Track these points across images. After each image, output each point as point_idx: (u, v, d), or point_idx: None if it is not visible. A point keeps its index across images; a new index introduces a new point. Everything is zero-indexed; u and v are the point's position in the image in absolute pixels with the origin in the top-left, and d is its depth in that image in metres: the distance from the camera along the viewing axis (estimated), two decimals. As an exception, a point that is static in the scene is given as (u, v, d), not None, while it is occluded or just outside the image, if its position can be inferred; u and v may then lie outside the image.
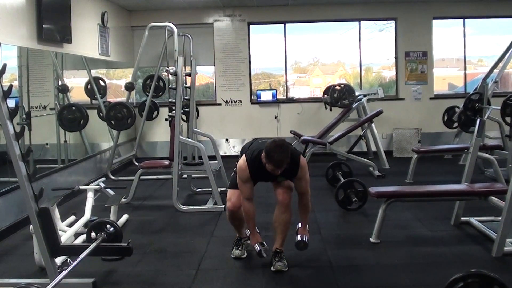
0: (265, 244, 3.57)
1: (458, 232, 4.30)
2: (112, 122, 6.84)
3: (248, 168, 3.44)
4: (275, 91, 8.94)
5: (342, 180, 5.50)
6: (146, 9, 8.59)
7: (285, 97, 9.08)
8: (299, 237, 3.59)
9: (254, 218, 3.55)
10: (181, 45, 7.76)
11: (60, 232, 3.56)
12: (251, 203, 3.52)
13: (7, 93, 2.91)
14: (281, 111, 8.85)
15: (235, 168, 3.62)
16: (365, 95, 8.08)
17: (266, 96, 8.89)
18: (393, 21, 8.95)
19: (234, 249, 3.82)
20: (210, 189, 5.53)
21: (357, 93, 7.87)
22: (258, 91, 8.95)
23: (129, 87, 7.21)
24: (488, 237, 3.99)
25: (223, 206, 5.20)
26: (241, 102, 8.89)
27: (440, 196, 4.33)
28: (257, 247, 3.54)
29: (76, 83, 7.31)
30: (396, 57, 8.97)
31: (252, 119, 8.84)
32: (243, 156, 3.52)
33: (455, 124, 7.77)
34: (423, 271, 3.47)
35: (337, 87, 7.79)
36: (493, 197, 4.03)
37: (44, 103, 6.01)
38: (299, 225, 3.64)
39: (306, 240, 3.58)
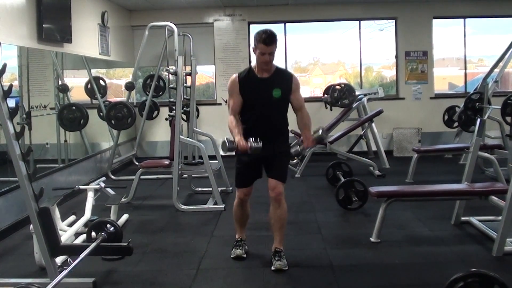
0: (255, 142, 3.32)
1: (459, 232, 4.30)
2: (112, 121, 6.84)
3: (238, 78, 3.49)
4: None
5: (343, 179, 5.50)
6: (146, 8, 8.59)
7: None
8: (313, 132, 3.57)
9: (238, 124, 3.43)
10: (181, 45, 7.76)
11: (60, 232, 3.56)
12: (237, 116, 3.50)
13: (7, 93, 2.92)
14: (281, 111, 8.83)
15: (237, 165, 3.61)
16: (365, 95, 8.08)
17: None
18: (393, 20, 8.95)
19: (234, 249, 3.81)
20: (210, 188, 5.52)
21: (357, 93, 7.87)
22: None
23: (129, 86, 7.21)
24: (488, 237, 3.99)
25: (223, 205, 5.21)
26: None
27: (441, 195, 4.33)
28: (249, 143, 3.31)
29: (76, 83, 7.31)
30: (396, 57, 8.97)
31: (252, 119, 8.81)
32: (235, 73, 3.58)
33: (456, 124, 7.77)
34: (424, 270, 3.47)
35: (338, 87, 7.78)
36: (493, 197, 4.03)
37: (44, 102, 6.01)
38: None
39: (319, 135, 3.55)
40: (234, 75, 3.54)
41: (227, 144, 3.38)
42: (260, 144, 3.27)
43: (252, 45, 3.42)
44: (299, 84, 3.61)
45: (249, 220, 3.86)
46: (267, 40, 3.34)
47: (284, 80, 3.51)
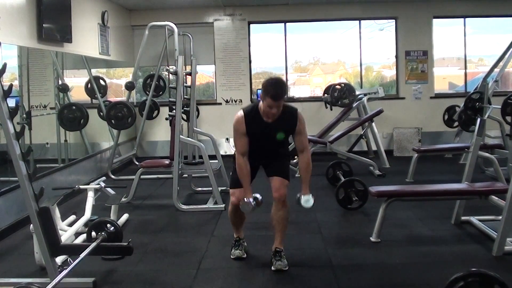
0: (255, 197, 3.46)
1: (459, 231, 4.30)
2: (113, 121, 6.84)
3: (245, 118, 3.44)
4: (275, 90, 8.91)
5: (343, 179, 5.50)
6: (146, 8, 8.59)
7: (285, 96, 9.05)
8: (302, 196, 3.48)
9: (248, 175, 3.48)
10: (182, 45, 7.76)
11: (60, 232, 3.55)
12: (246, 160, 3.48)
13: (7, 93, 2.91)
14: (281, 111, 8.82)
15: (233, 167, 3.61)
16: (365, 94, 8.08)
17: (267, 95, 8.87)
18: (394, 20, 8.94)
19: (233, 249, 3.80)
20: (211, 188, 5.52)
21: (357, 92, 7.87)
22: (258, 90, 8.94)
23: (130, 86, 7.21)
24: (488, 236, 3.99)
25: (223, 205, 5.20)
26: (241, 101, 8.88)
27: (441, 195, 4.33)
28: (245, 200, 3.44)
29: (76, 83, 7.31)
30: (396, 56, 8.97)
31: (252, 119, 8.81)
32: (241, 110, 3.52)
33: (456, 123, 7.76)
34: (424, 270, 3.46)
35: (338, 86, 7.78)
36: (493, 196, 4.03)
37: (45, 102, 6.01)
38: (301, 194, 3.52)
39: (311, 198, 3.47)
40: (240, 114, 3.47)
41: (245, 207, 3.47)
42: (255, 205, 3.45)
43: (260, 92, 3.39)
44: (304, 124, 3.51)
45: (249, 219, 3.86)
46: (276, 96, 3.28)
47: (289, 122, 3.45)
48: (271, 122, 3.43)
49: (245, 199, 3.45)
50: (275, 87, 3.29)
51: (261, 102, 3.40)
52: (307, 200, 3.47)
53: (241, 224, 3.80)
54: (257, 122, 3.42)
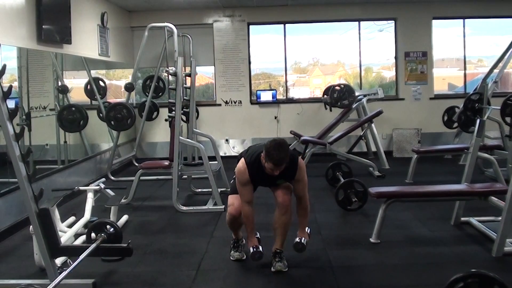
0: (260, 248, 3.57)
1: (458, 232, 4.30)
2: (112, 122, 6.83)
3: (248, 170, 3.44)
4: (275, 91, 8.94)
5: (342, 180, 5.50)
6: (146, 9, 8.59)
7: (285, 97, 9.08)
8: (297, 239, 3.60)
9: (253, 222, 3.56)
10: (181, 46, 7.76)
11: (60, 233, 3.56)
12: (251, 207, 3.52)
13: (6, 94, 2.91)
14: (281, 112, 8.85)
15: (234, 176, 3.62)
16: (365, 95, 8.08)
17: (266, 96, 8.90)
18: (393, 21, 8.95)
19: (233, 251, 3.81)
20: (210, 189, 5.53)
21: (357, 93, 7.87)
22: (258, 92, 8.95)
23: (129, 87, 7.21)
24: (488, 237, 3.99)
25: (223, 206, 5.20)
26: (241, 103, 8.89)
27: (440, 196, 4.33)
28: (251, 250, 3.55)
29: (76, 84, 7.31)
30: (396, 57, 8.98)
31: (252, 120, 8.84)
32: (242, 159, 3.52)
33: (455, 124, 7.77)
34: (423, 271, 3.47)
35: (337, 87, 7.78)
36: (493, 197, 4.03)
37: (44, 103, 6.01)
38: (297, 238, 3.63)
39: (304, 243, 3.59)
40: (243, 165, 3.46)
41: (256, 256, 3.56)
42: (261, 256, 3.55)
43: (262, 154, 3.34)
44: (305, 172, 3.52)
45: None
46: (278, 163, 3.27)
47: (290, 170, 3.44)
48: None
49: (254, 248, 3.53)
50: (278, 154, 3.25)
51: (262, 157, 3.36)
52: (297, 244, 3.58)
53: (239, 228, 3.80)
54: (259, 172, 3.44)
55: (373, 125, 7.48)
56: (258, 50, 9.12)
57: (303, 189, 3.53)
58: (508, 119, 6.35)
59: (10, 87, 2.95)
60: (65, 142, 6.36)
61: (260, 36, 9.16)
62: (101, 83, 7.63)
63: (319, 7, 8.71)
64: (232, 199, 3.62)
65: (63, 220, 4.36)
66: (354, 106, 7.87)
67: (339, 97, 7.69)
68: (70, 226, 4.32)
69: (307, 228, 3.67)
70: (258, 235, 3.71)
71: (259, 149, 3.45)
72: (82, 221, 4.34)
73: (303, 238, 3.60)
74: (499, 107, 6.40)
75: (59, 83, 6.34)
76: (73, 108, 6.37)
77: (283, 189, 3.55)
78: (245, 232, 3.88)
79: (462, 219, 4.46)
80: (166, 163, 5.63)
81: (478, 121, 4.55)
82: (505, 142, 6.57)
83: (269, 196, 3.56)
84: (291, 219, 3.56)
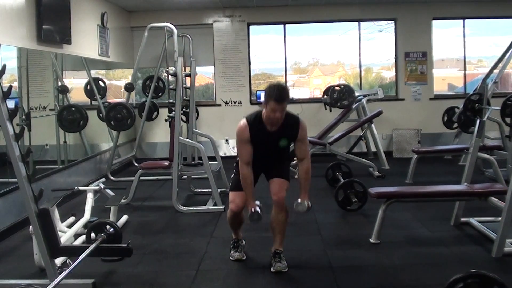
0: (259, 210, 3.46)
1: (458, 233, 4.30)
2: (112, 122, 6.83)
3: (248, 127, 3.42)
4: (275, 91, 8.91)
5: (342, 180, 5.50)
6: (146, 9, 8.59)
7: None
8: (299, 200, 3.49)
9: (251, 184, 3.49)
10: (181, 46, 7.75)
11: (60, 233, 3.56)
12: (250, 169, 3.47)
13: (6, 94, 2.91)
14: (281, 112, 8.82)
15: (234, 170, 3.61)
16: (365, 96, 8.08)
17: (266, 96, 8.87)
18: (393, 21, 8.95)
19: (232, 251, 3.81)
20: (210, 189, 5.52)
21: (357, 94, 7.87)
22: (257, 92, 8.94)
23: (129, 87, 7.21)
24: (488, 238, 3.99)
25: (222, 206, 5.20)
26: (240, 103, 8.89)
27: (440, 196, 4.33)
28: (251, 210, 3.45)
29: (75, 84, 7.31)
30: (396, 58, 8.98)
31: (252, 120, 8.81)
32: (243, 119, 3.50)
33: (455, 125, 7.77)
34: (423, 271, 3.47)
35: (337, 88, 7.78)
36: (493, 198, 4.03)
37: (44, 103, 6.01)
38: (299, 199, 3.51)
39: (306, 205, 3.47)
40: (244, 123, 3.45)
41: (254, 217, 3.46)
42: (260, 217, 3.45)
43: (262, 98, 3.32)
44: (306, 132, 3.51)
45: (247, 221, 3.85)
46: (279, 98, 3.25)
47: (291, 129, 3.45)
48: (275, 130, 3.43)
49: (252, 209, 3.44)
50: (279, 90, 3.28)
51: (263, 110, 3.38)
52: (299, 205, 3.48)
53: (240, 227, 3.80)
54: (261, 131, 3.42)
55: (373, 125, 7.48)
56: (258, 51, 9.12)
57: (305, 149, 3.53)
58: (508, 120, 6.35)
59: (10, 87, 2.95)
60: (65, 142, 6.36)
61: (260, 37, 9.17)
62: (101, 83, 7.63)
63: (319, 7, 8.71)
64: (233, 196, 3.60)
65: (63, 220, 4.36)
66: (354, 106, 7.87)
67: (339, 97, 7.69)
68: (70, 226, 4.32)
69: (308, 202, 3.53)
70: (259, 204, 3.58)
71: (260, 110, 3.46)
72: (82, 221, 4.34)
73: (305, 201, 3.49)
74: (499, 108, 6.40)
75: (59, 83, 6.34)
76: (73, 108, 6.36)
77: (279, 185, 3.51)
78: (245, 232, 3.90)
79: (462, 219, 4.46)
80: (166, 163, 5.63)
81: (478, 121, 4.55)
82: (505, 143, 6.57)
83: (269, 197, 3.56)
84: (288, 217, 3.55)
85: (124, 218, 4.87)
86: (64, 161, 6.27)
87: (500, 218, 3.72)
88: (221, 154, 7.67)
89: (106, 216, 4.34)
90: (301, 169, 3.56)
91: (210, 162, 5.54)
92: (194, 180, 6.24)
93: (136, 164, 7.65)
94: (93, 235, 3.64)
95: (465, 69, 9.06)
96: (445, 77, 9.49)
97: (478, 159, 5.19)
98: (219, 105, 8.92)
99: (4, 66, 2.96)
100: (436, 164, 7.54)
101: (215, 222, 4.86)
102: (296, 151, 3.54)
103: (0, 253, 4.10)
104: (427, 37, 8.82)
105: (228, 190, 5.88)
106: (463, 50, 8.98)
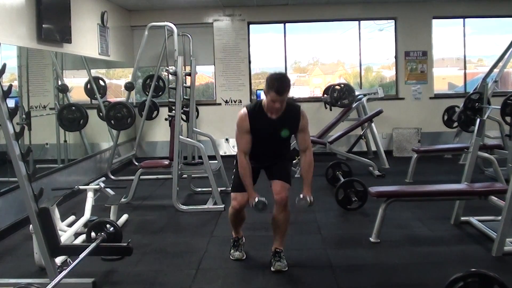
0: (263, 199, 3.41)
1: (458, 232, 4.30)
2: (112, 122, 6.84)
3: (248, 116, 3.40)
4: (275, 91, 8.91)
5: (342, 179, 5.50)
6: (146, 8, 8.59)
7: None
8: (301, 195, 3.45)
9: (251, 175, 3.44)
10: (181, 45, 7.75)
11: (60, 232, 3.55)
12: (248, 159, 3.44)
13: (6, 93, 2.91)
14: (281, 111, 8.83)
15: (234, 170, 3.61)
16: (365, 95, 8.08)
17: (266, 96, 8.87)
18: (393, 20, 8.95)
19: (233, 250, 3.80)
20: (210, 189, 5.52)
21: (357, 93, 7.87)
22: (258, 91, 8.94)
23: (129, 87, 7.21)
24: (488, 237, 3.99)
25: (223, 205, 5.20)
26: (241, 102, 8.89)
27: (440, 195, 4.33)
28: (256, 199, 3.39)
29: (76, 83, 7.30)
30: (396, 57, 8.97)
31: (252, 119, 8.81)
32: (244, 108, 3.48)
33: (455, 124, 7.77)
34: (423, 270, 3.47)
35: (337, 87, 7.78)
36: (493, 197, 4.03)
37: (44, 103, 6.01)
38: (301, 194, 3.47)
39: (309, 200, 3.42)
40: (244, 111, 3.42)
41: (259, 206, 3.40)
42: (265, 206, 3.39)
43: (264, 87, 3.30)
44: (308, 122, 3.48)
45: (248, 220, 3.86)
46: (280, 89, 3.23)
47: (293, 119, 3.43)
48: (275, 118, 3.39)
49: (256, 198, 3.39)
50: (280, 81, 3.26)
51: (264, 99, 3.37)
52: (301, 200, 3.44)
53: (241, 225, 3.80)
54: (261, 119, 3.39)
55: (373, 124, 7.48)
56: (258, 50, 9.11)
57: (307, 139, 3.50)
58: (508, 119, 6.35)
59: (10, 86, 2.95)
60: (65, 141, 6.36)
61: (260, 36, 9.16)
62: (101, 82, 7.63)
63: (319, 6, 8.70)
64: (235, 195, 3.58)
65: (63, 219, 4.36)
66: (354, 105, 7.87)
67: (339, 96, 7.69)
68: (70, 225, 4.32)
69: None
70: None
71: (261, 99, 3.44)
72: (82, 220, 4.33)
73: (308, 196, 3.45)
74: (499, 107, 6.40)
75: (59, 82, 6.34)
76: (73, 107, 6.36)
77: (281, 186, 3.49)
78: (245, 231, 3.90)
79: (462, 218, 4.46)
80: (166, 162, 5.63)
81: (478, 120, 4.55)
82: (505, 142, 6.58)
83: (269, 196, 3.55)
84: (289, 217, 3.54)
85: (124, 217, 4.87)
86: (64, 160, 6.27)
87: (500, 217, 3.72)
88: (221, 153, 7.67)
89: (106, 215, 4.34)
90: (303, 161, 3.51)
91: (210, 161, 5.55)
92: (194, 179, 6.24)
93: (136, 163, 7.66)
94: (93, 234, 3.64)
95: (465, 68, 9.06)
96: (445, 76, 9.49)
97: (478, 158, 5.19)
98: (219, 104, 8.92)
99: (4, 65, 2.95)
100: (436, 163, 7.54)
101: (215, 221, 4.86)
102: (298, 141, 3.51)
103: (0, 252, 4.11)
104: (427, 36, 8.82)
105: (228, 189, 5.93)
106: (463, 49, 8.98)
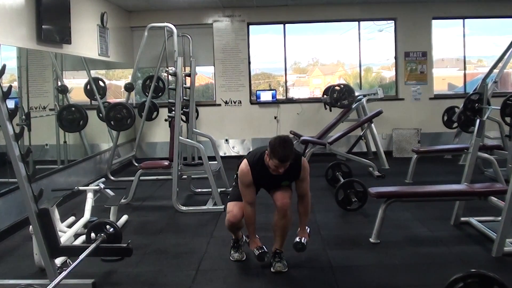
0: (264, 248, 3.56)
1: (458, 232, 4.30)
2: (112, 122, 6.83)
3: (251, 171, 3.41)
4: (274, 91, 8.94)
5: (342, 180, 5.50)
6: (146, 9, 8.59)
7: (284, 97, 9.08)
8: (297, 239, 3.59)
9: (254, 223, 3.54)
10: (181, 46, 7.76)
11: (59, 233, 3.56)
12: (253, 208, 3.50)
13: (6, 94, 2.91)
14: (280, 112, 8.85)
15: (234, 183, 3.61)
16: (364, 95, 8.08)
17: (266, 96, 8.89)
18: (393, 21, 8.95)
19: (233, 252, 3.81)
20: (210, 189, 5.53)
21: (356, 94, 7.87)
22: (257, 92, 8.95)
23: (129, 87, 7.21)
24: (488, 237, 3.99)
25: (222, 206, 5.20)
26: (240, 103, 8.89)
27: (440, 196, 4.33)
28: (256, 252, 3.54)
29: (75, 84, 7.30)
30: (395, 57, 8.98)
31: (251, 120, 8.84)
32: (245, 160, 3.48)
33: (455, 124, 7.77)
34: (423, 271, 3.47)
35: (337, 88, 7.78)
36: (492, 197, 4.03)
37: (44, 103, 6.01)
38: (297, 238, 3.62)
39: (305, 242, 3.58)
40: (246, 166, 3.43)
41: (263, 257, 3.56)
42: (267, 256, 3.55)
43: (267, 150, 3.29)
44: (308, 171, 3.50)
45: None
46: (283, 158, 3.21)
47: (294, 171, 3.43)
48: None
49: (258, 249, 3.53)
50: (283, 150, 3.21)
51: (266, 155, 3.33)
52: (297, 244, 3.57)
53: (239, 230, 3.80)
54: (263, 174, 3.41)
55: (372, 125, 7.48)
56: (258, 50, 9.12)
57: (306, 188, 3.52)
58: (508, 119, 6.35)
59: (10, 87, 2.95)
60: (65, 142, 6.35)
61: (260, 36, 9.17)
62: (101, 83, 7.62)
63: (319, 7, 8.71)
64: (231, 206, 3.58)
65: (62, 220, 4.36)
66: (354, 106, 7.87)
67: (339, 97, 7.69)
68: (70, 226, 4.32)
69: (306, 227, 3.66)
70: (257, 237, 3.69)
71: (263, 148, 3.43)
72: (82, 221, 4.34)
73: (303, 238, 3.59)
74: (499, 107, 6.40)
75: (59, 83, 6.33)
76: (73, 108, 6.36)
77: (282, 193, 3.51)
78: (245, 231, 3.89)
79: (462, 219, 4.46)
80: (166, 163, 5.63)
81: (478, 121, 4.55)
82: (505, 142, 6.58)
83: (269, 196, 3.56)
84: (291, 222, 3.55)
85: (124, 218, 4.87)
86: (64, 161, 6.27)
87: (500, 218, 3.72)
88: (221, 154, 7.67)
89: (106, 216, 4.34)
90: (300, 205, 3.57)
91: (210, 162, 5.55)
92: (194, 180, 6.24)
93: (136, 164, 7.65)
94: (93, 235, 3.65)
95: (465, 69, 9.06)
96: (445, 77, 9.49)
97: (478, 159, 5.19)
98: (219, 105, 8.92)
99: (4, 66, 2.95)
100: (436, 163, 7.54)
101: (215, 222, 4.86)
102: (297, 188, 3.54)
103: (0, 253, 4.10)
104: (427, 37, 8.82)
105: (228, 189, 5.93)
106: (463, 50, 8.99)
